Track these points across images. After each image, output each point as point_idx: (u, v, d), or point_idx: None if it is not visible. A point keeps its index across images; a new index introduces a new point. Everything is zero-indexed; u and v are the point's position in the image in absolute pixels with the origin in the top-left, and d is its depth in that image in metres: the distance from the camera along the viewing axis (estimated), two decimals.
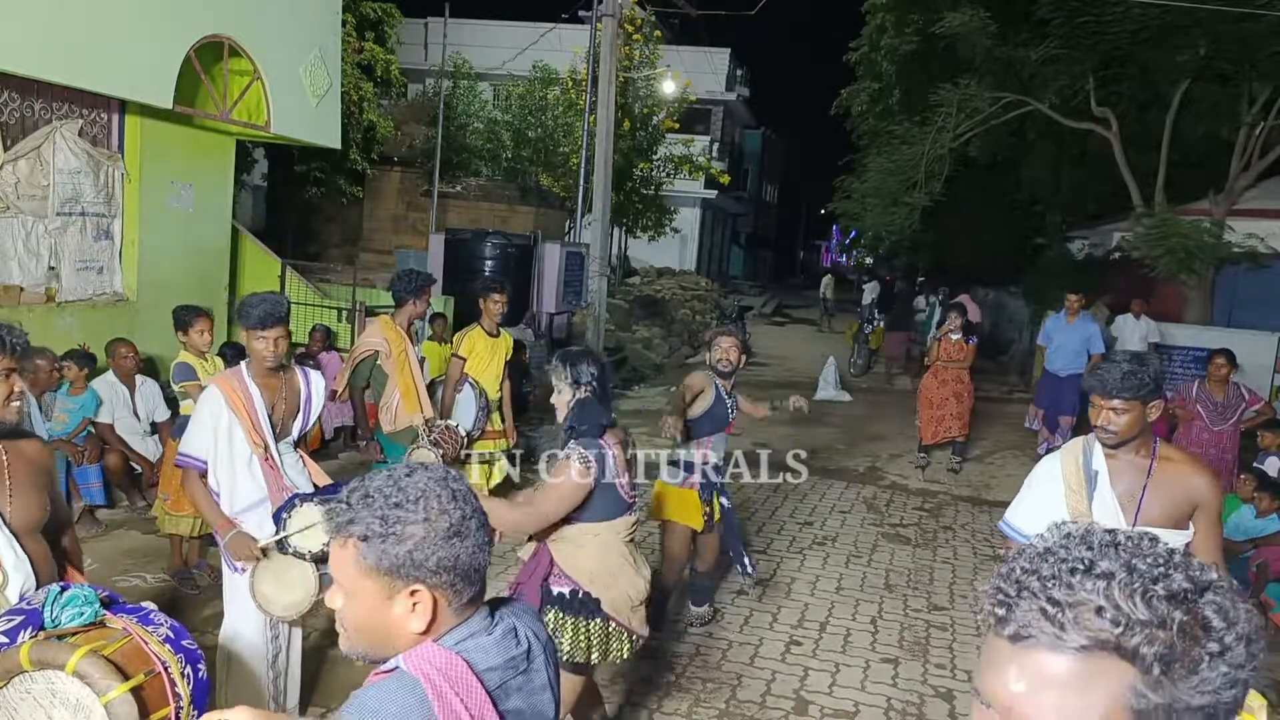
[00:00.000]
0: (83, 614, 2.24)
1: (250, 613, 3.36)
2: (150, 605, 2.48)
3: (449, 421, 5.39)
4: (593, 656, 3.12)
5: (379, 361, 5.16)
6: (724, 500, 4.84)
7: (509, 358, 6.05)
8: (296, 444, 3.60)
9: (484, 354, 5.81)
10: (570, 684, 3.15)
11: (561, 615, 3.13)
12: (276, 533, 3.23)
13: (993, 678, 0.90)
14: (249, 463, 3.38)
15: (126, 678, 2.17)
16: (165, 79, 6.78)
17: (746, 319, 19.46)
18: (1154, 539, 0.89)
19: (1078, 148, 15.00)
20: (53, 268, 6.93)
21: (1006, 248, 19.80)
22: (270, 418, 3.42)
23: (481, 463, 5.66)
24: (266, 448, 3.40)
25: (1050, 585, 0.86)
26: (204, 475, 3.36)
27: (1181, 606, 0.83)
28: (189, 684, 2.32)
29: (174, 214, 7.85)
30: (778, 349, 18.90)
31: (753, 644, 4.90)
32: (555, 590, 3.15)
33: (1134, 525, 2.74)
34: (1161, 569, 0.85)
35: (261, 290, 3.63)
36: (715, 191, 28.03)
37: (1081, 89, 12.92)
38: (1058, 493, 2.89)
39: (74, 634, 2.22)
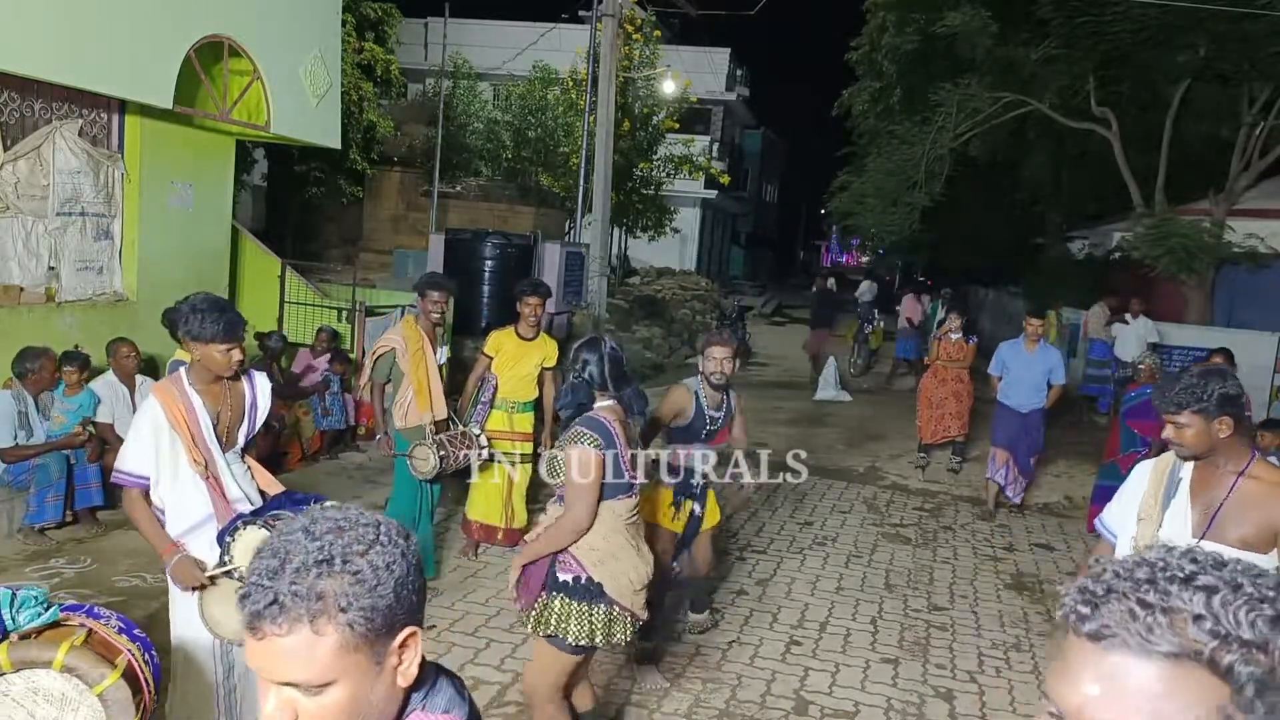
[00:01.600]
0: (41, 614, 2.25)
1: (200, 630, 3.19)
2: (70, 600, 2.50)
3: (467, 428, 5.44)
4: (597, 640, 3.14)
5: (396, 359, 5.32)
6: (696, 507, 4.63)
7: (550, 365, 5.94)
8: (244, 452, 3.41)
9: (512, 355, 5.79)
10: (565, 664, 3.20)
11: (568, 601, 3.13)
12: (221, 556, 3.07)
13: (1064, 679, 0.83)
14: (193, 478, 3.18)
15: (114, 667, 2.19)
16: (165, 79, 6.77)
17: (746, 319, 19.44)
18: (1263, 572, 0.84)
19: (1078, 148, 15.01)
20: (53, 268, 6.92)
21: (1006, 248, 19.81)
22: (215, 428, 3.22)
23: (494, 461, 5.66)
24: (208, 465, 3.19)
25: (1144, 589, 0.81)
26: (148, 494, 3.15)
27: None
28: (150, 669, 2.37)
29: (174, 214, 7.85)
30: (778, 349, 18.89)
31: (753, 644, 4.90)
32: (561, 577, 3.15)
33: (1201, 539, 2.66)
34: (1271, 592, 0.80)
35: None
36: (715, 191, 28.02)
37: (1081, 89, 12.93)
38: (1139, 495, 2.85)
39: (38, 633, 2.24)
